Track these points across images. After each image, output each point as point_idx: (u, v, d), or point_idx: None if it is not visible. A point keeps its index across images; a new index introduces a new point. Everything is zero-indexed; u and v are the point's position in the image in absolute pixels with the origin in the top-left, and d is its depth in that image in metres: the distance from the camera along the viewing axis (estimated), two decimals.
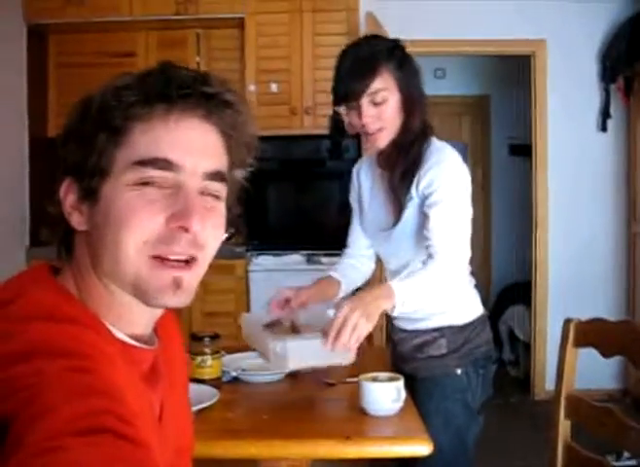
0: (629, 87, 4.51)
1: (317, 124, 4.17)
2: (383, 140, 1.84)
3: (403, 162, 1.84)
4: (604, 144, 4.67)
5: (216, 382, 1.83)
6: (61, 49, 4.49)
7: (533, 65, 4.69)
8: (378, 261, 2.15)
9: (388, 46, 1.84)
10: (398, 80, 1.81)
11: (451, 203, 1.78)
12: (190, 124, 0.85)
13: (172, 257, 0.84)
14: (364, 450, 1.50)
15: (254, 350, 2.04)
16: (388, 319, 2.05)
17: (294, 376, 1.91)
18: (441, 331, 1.90)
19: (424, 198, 1.80)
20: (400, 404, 1.60)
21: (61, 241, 0.91)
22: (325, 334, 1.60)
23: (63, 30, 4.40)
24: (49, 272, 0.88)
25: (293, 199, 4.43)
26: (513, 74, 5.70)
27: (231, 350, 2.04)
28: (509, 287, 5.81)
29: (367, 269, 2.17)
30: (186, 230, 0.83)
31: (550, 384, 4.46)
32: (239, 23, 4.29)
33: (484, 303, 2.03)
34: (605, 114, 4.62)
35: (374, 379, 1.62)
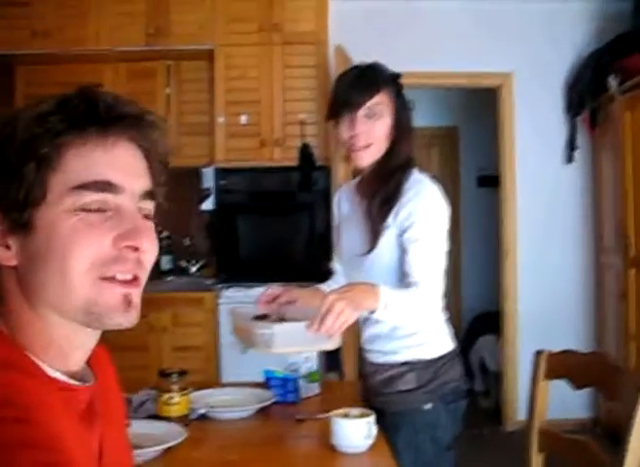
0: (595, 118, 4.58)
1: (287, 156, 4.11)
2: (368, 158, 1.87)
3: (383, 191, 1.85)
4: (571, 175, 4.74)
5: (183, 420, 1.79)
6: (29, 79, 4.43)
7: (501, 97, 4.75)
8: None
9: (391, 73, 1.91)
10: (394, 104, 1.87)
11: (429, 239, 1.79)
12: (123, 145, 0.86)
13: (120, 276, 0.83)
14: None
15: (223, 386, 2.01)
16: (359, 353, 2.03)
17: (264, 412, 1.88)
18: (410, 365, 1.88)
19: (402, 230, 1.81)
20: (371, 440, 1.58)
21: None
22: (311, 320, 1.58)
23: (31, 61, 4.35)
24: None
25: (262, 232, 4.39)
26: (481, 106, 5.77)
27: (200, 386, 2.00)
28: (479, 316, 5.82)
29: None
30: (135, 249, 0.83)
31: (521, 415, 4.44)
32: (209, 55, 4.29)
33: (455, 333, 2.02)
34: (571, 145, 4.69)
35: (346, 415, 1.60)
